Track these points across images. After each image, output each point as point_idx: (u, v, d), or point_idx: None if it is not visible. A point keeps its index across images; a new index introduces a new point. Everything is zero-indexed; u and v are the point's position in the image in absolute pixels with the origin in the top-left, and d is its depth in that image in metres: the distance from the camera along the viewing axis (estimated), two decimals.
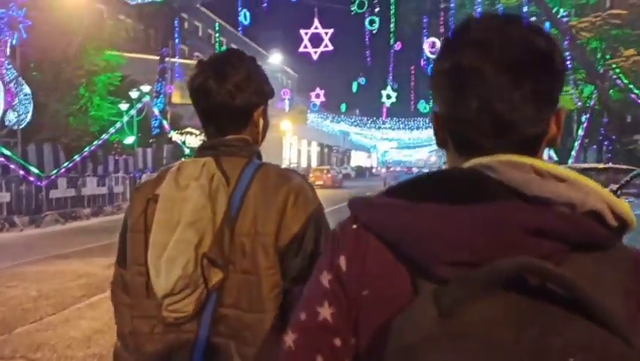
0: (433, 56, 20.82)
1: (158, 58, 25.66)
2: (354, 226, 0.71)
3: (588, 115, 16.98)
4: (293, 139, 45.56)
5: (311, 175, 29.91)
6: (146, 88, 22.17)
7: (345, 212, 0.73)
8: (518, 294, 0.57)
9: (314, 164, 50.43)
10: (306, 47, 18.17)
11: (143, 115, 22.04)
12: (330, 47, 18.27)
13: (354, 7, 18.32)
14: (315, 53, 18.17)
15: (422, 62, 24.20)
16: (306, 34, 17.90)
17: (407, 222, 0.64)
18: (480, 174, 0.65)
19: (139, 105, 21.35)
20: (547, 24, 18.99)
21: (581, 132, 18.07)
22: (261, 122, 1.31)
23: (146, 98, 22.00)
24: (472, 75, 0.66)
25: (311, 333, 0.70)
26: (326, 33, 17.85)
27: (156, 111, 23.29)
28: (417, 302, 0.60)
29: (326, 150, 60.63)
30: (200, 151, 1.24)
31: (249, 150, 1.25)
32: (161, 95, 25.03)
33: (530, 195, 0.63)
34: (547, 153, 24.77)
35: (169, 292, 1.09)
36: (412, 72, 31.30)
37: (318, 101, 36.27)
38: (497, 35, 0.67)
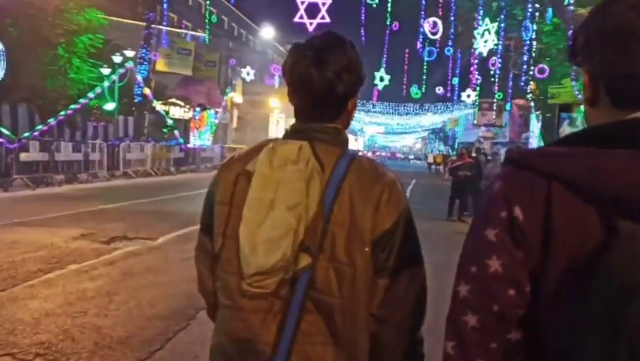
0: (434, 37, 20.35)
1: (144, 24, 24.50)
2: (525, 176, 0.74)
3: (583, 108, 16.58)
4: (280, 117, 44.70)
5: None
6: (129, 53, 21.15)
7: None
8: None
9: None
10: (301, 17, 17.30)
11: (125, 81, 21.06)
12: (327, 19, 17.43)
13: None
14: (311, 24, 17.33)
15: (418, 45, 23.61)
16: (303, 3, 17.01)
17: (602, 168, 0.68)
18: None
19: (121, 71, 20.35)
20: (550, 11, 18.54)
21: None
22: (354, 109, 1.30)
23: (130, 64, 20.99)
24: (638, 36, 0.72)
25: (484, 284, 0.75)
26: (323, 4, 16.98)
27: (139, 78, 22.28)
28: (632, 241, 0.63)
29: None
30: (292, 134, 1.23)
31: (342, 139, 1.24)
32: (145, 63, 23.97)
33: None
34: (538, 144, 24.52)
35: (262, 272, 1.12)
36: (407, 55, 30.68)
37: None
38: None
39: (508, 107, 30.62)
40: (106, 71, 19.50)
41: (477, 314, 0.75)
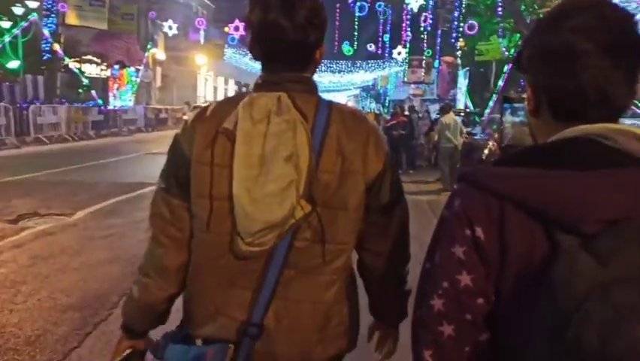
0: None
1: None
2: (480, 197, 0.80)
3: (510, 65, 17.05)
4: (208, 75, 42.71)
5: None
6: (33, 4, 18.88)
7: None
8: None
9: None
10: None
11: (29, 36, 18.87)
12: None
13: None
14: None
15: (350, 1, 23.02)
16: None
17: (549, 189, 0.75)
18: (597, 142, 0.78)
19: (24, 24, 18.16)
20: None
21: (501, 83, 18.23)
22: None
23: (34, 17, 18.76)
24: (581, 56, 0.78)
25: (456, 297, 0.82)
26: None
27: (46, 33, 20.05)
28: (571, 255, 0.70)
29: (244, 88, 57.97)
30: (264, 86, 1.20)
31: (315, 88, 1.24)
32: (53, 15, 21.56)
33: None
34: (464, 101, 25.23)
35: (270, 226, 1.10)
36: (337, 10, 30.00)
37: (236, 35, 33.73)
38: (600, 21, 0.79)
39: (436, 64, 31.06)
40: (5, 24, 17.32)
41: (452, 324, 0.83)
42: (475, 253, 0.81)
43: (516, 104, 1.41)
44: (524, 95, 0.92)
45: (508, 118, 1.36)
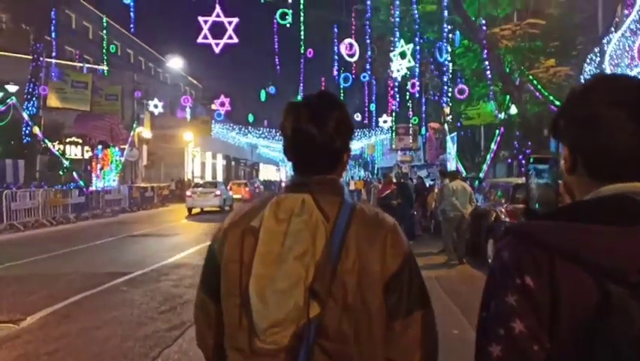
0: (350, 59, 19.85)
1: (30, 57, 21.81)
2: (529, 249, 0.87)
3: (502, 128, 16.71)
4: (196, 150, 42.50)
5: (229, 189, 29.02)
6: (12, 88, 18.56)
7: None
8: None
9: (219, 177, 47.68)
10: (205, 37, 15.79)
11: (7, 120, 18.35)
12: (235, 39, 16.00)
13: None
14: (217, 45, 15.89)
15: (334, 72, 23.14)
16: (206, 22, 15.53)
17: (597, 242, 0.83)
18: (633, 199, 0.87)
19: (1, 108, 17.70)
20: (458, 34, 18.76)
21: (493, 146, 17.82)
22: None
23: (12, 100, 18.35)
24: (612, 122, 0.90)
25: (513, 343, 0.87)
26: (229, 22, 15.65)
27: (26, 116, 19.57)
28: (622, 303, 0.78)
29: (233, 162, 57.87)
30: (292, 187, 1.28)
31: (340, 190, 1.30)
32: (34, 98, 21.23)
33: None
34: (455, 166, 24.86)
35: (277, 324, 1.13)
36: (323, 83, 30.30)
37: (222, 110, 33.76)
38: (623, 92, 0.92)
39: (423, 131, 31.16)
40: None
41: None
42: (527, 302, 0.85)
43: (540, 166, 1.23)
44: (550, 156, 1.08)
45: (533, 180, 1.20)
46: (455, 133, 25.87)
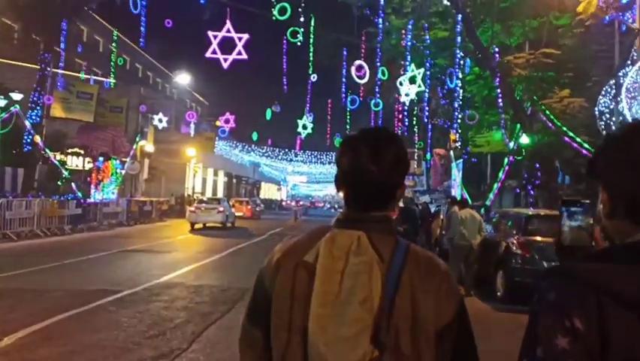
0: (360, 81, 19.66)
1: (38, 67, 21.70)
2: (576, 291, 0.85)
3: (511, 157, 16.38)
4: (198, 167, 42.22)
5: (232, 206, 28.86)
6: (17, 96, 18.37)
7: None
8: None
9: (220, 194, 47.31)
10: (214, 52, 15.62)
11: (9, 128, 18.11)
12: (244, 55, 15.87)
13: (275, 13, 16.20)
14: (226, 60, 15.69)
15: (342, 95, 22.99)
16: (216, 37, 15.37)
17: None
18: None
19: (4, 115, 17.47)
20: (468, 61, 18.60)
21: (501, 175, 17.47)
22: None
23: (15, 108, 18.14)
24: None
25: None
26: (239, 39, 15.48)
27: (28, 124, 19.34)
28: None
29: (234, 180, 57.55)
30: (346, 223, 1.26)
31: (392, 227, 1.29)
32: (38, 107, 21.04)
33: None
34: (460, 193, 24.48)
35: None
36: (329, 104, 30.19)
37: (227, 127, 33.58)
38: None
39: (428, 156, 30.94)
40: None
41: None
42: (578, 344, 0.83)
43: (573, 208, 1.28)
44: (585, 201, 1.15)
45: (566, 222, 1.29)
46: (461, 160, 25.58)
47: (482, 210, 14.69)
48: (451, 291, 1.20)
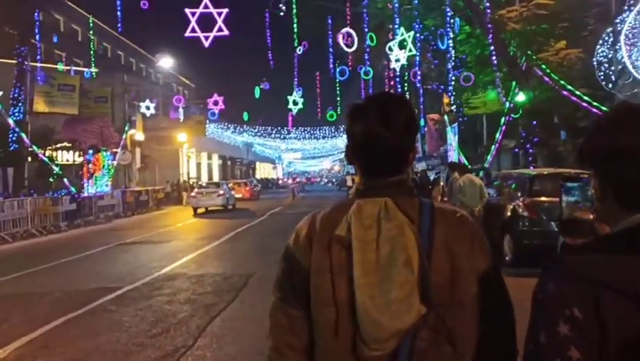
0: (348, 50, 19.06)
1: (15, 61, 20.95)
2: (574, 282, 0.88)
3: (508, 117, 16.01)
4: (191, 152, 41.69)
5: (231, 188, 29.34)
6: None
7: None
8: None
9: (216, 178, 46.89)
10: (194, 30, 14.98)
11: None
12: (225, 31, 15.23)
13: None
14: (207, 39, 15.08)
15: (330, 65, 22.41)
16: (194, 15, 14.73)
17: (635, 274, 0.86)
18: None
19: None
20: (457, 21, 18.01)
21: (499, 135, 17.13)
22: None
23: None
24: (636, 153, 0.91)
25: None
26: (219, 14, 14.84)
27: (11, 122, 18.77)
28: None
29: (229, 162, 57.08)
30: (368, 191, 1.27)
31: (412, 189, 1.31)
32: (20, 104, 20.40)
33: None
34: (457, 157, 24.18)
35: (398, 333, 1.14)
36: (318, 78, 29.57)
37: (216, 109, 32.95)
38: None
39: (422, 122, 30.51)
40: None
41: None
42: (579, 331, 0.86)
43: (569, 184, 1.40)
44: (583, 175, 1.13)
45: (564, 198, 1.38)
46: (456, 124, 25.18)
47: (481, 173, 14.40)
48: (484, 243, 1.24)
